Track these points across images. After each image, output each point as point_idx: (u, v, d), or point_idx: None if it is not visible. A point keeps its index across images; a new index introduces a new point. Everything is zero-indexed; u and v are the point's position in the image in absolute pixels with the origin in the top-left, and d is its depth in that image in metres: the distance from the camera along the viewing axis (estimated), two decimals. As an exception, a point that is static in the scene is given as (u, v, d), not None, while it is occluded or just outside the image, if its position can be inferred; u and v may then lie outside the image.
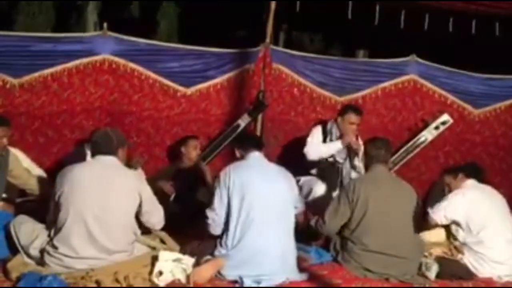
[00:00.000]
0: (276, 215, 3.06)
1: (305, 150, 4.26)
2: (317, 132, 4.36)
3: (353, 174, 4.31)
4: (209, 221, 3.10)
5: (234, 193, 3.02)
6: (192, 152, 4.43)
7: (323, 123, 4.47)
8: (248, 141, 3.35)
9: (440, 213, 3.55)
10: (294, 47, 5.55)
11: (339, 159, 4.32)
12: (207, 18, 5.89)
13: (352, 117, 4.31)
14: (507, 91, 5.43)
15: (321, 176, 4.29)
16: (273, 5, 4.67)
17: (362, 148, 4.14)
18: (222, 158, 4.69)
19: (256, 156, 3.20)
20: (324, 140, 4.34)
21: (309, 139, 4.33)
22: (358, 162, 4.27)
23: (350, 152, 4.32)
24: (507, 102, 5.41)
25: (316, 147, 4.25)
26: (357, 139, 4.38)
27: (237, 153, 3.31)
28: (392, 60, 5.23)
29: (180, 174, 4.32)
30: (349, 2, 4.82)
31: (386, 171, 3.59)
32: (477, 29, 4.97)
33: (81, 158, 3.66)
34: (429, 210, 3.58)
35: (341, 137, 4.31)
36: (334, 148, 4.25)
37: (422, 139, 5.05)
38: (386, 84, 5.16)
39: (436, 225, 3.62)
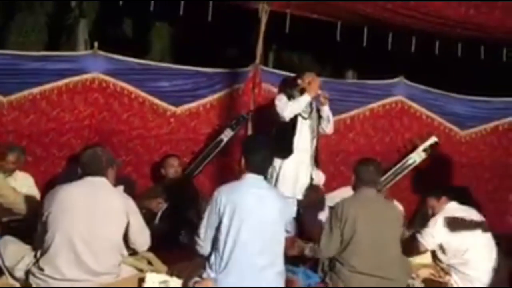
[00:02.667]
0: (266, 238, 3.02)
1: (279, 110, 4.22)
2: (282, 95, 4.33)
3: (324, 124, 4.38)
4: (198, 241, 3.06)
5: (225, 215, 2.96)
6: (170, 170, 4.41)
7: (283, 92, 4.40)
8: (257, 162, 3.07)
9: (429, 239, 3.57)
10: (283, 67, 5.59)
11: (304, 114, 4.33)
12: (199, 38, 5.94)
13: (310, 76, 4.35)
14: (492, 113, 5.53)
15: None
16: (262, 26, 4.74)
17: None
18: (207, 174, 4.71)
19: (253, 177, 3.07)
20: None
21: (277, 101, 4.29)
22: (327, 112, 4.35)
23: (318, 104, 4.36)
24: (493, 124, 5.51)
25: (288, 105, 4.24)
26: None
27: (243, 160, 3.09)
28: (380, 81, 5.31)
29: (165, 194, 4.31)
30: (338, 23, 4.90)
31: (374, 193, 3.59)
32: (463, 52, 5.07)
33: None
34: (418, 237, 3.60)
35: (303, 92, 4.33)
36: (303, 101, 4.26)
37: (411, 161, 5.10)
38: (374, 105, 5.23)
39: (426, 251, 3.63)
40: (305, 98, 4.25)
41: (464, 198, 3.83)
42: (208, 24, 4.67)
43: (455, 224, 3.57)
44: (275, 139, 4.31)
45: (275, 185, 4.25)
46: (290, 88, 4.41)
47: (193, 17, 4.81)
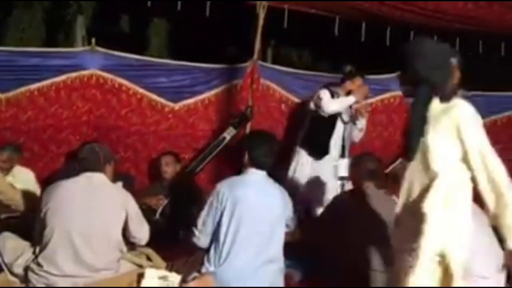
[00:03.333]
0: (266, 234, 3.00)
1: (322, 104, 4.26)
2: (326, 92, 4.38)
3: (355, 134, 4.48)
4: (195, 232, 3.05)
5: (226, 209, 2.94)
6: (164, 168, 4.37)
7: (326, 88, 4.43)
8: (260, 157, 3.04)
9: None
10: (281, 63, 5.59)
11: (345, 117, 4.44)
12: (197, 34, 5.94)
13: (360, 81, 4.49)
14: (491, 108, 5.52)
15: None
16: (260, 21, 4.72)
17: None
18: (207, 170, 4.70)
19: (256, 172, 3.05)
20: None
21: (321, 96, 4.32)
22: (363, 124, 4.51)
23: (357, 113, 4.47)
24: (491, 119, 5.51)
25: (331, 101, 4.31)
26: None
27: (246, 155, 3.06)
28: (378, 76, 5.30)
29: (165, 191, 4.30)
30: (336, 19, 4.89)
31: (373, 187, 3.59)
32: (461, 47, 5.06)
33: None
34: None
35: (348, 93, 4.42)
36: (347, 102, 4.36)
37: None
38: (372, 100, 5.22)
39: None
40: (351, 99, 4.36)
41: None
42: (206, 20, 4.67)
43: None
44: (307, 136, 4.36)
45: (297, 183, 4.28)
46: (334, 86, 4.46)
47: (191, 13, 4.81)
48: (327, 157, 4.40)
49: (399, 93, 5.26)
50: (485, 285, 3.48)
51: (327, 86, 4.49)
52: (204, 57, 5.00)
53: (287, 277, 3.25)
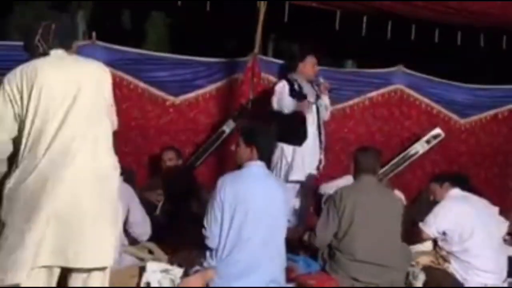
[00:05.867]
0: (269, 229, 3.00)
1: (282, 104, 4.20)
2: (285, 86, 4.28)
3: (323, 113, 4.41)
4: (205, 233, 3.03)
5: (229, 204, 2.94)
6: (167, 164, 4.34)
7: (285, 80, 4.35)
8: (266, 150, 3.07)
9: (431, 227, 3.58)
10: (282, 57, 5.58)
11: (311, 99, 4.34)
12: (197, 28, 5.94)
13: (313, 60, 4.42)
14: (492, 101, 5.53)
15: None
16: (261, 15, 4.72)
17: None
18: (207, 164, 4.70)
19: (258, 165, 3.06)
20: (292, 91, 4.30)
21: (281, 91, 4.26)
22: (326, 101, 4.42)
23: (320, 90, 4.41)
24: (492, 112, 5.51)
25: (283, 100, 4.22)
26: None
27: (253, 148, 3.04)
28: (379, 70, 5.30)
29: (165, 185, 4.30)
30: (337, 12, 4.88)
31: (374, 181, 3.60)
32: (462, 40, 5.05)
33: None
34: (421, 225, 3.60)
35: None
36: (291, 105, 4.23)
37: (413, 151, 5.11)
38: (373, 94, 5.23)
39: (428, 239, 3.64)
40: (292, 105, 4.19)
41: (466, 185, 3.83)
42: (206, 14, 4.66)
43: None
44: (282, 124, 4.24)
45: (286, 171, 4.24)
46: (291, 74, 4.38)
47: (191, 7, 4.80)
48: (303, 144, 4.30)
49: (400, 86, 5.28)
50: (488, 280, 3.51)
51: (285, 76, 4.39)
52: (204, 51, 5.00)
53: (289, 270, 3.26)
